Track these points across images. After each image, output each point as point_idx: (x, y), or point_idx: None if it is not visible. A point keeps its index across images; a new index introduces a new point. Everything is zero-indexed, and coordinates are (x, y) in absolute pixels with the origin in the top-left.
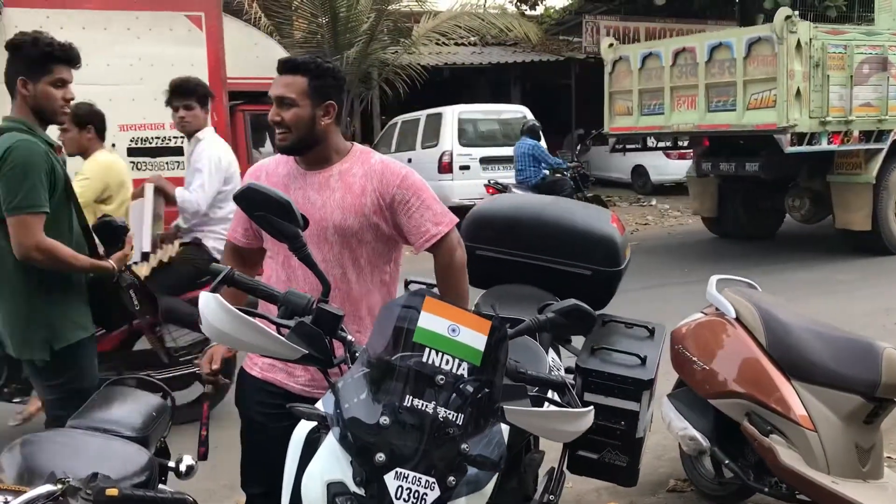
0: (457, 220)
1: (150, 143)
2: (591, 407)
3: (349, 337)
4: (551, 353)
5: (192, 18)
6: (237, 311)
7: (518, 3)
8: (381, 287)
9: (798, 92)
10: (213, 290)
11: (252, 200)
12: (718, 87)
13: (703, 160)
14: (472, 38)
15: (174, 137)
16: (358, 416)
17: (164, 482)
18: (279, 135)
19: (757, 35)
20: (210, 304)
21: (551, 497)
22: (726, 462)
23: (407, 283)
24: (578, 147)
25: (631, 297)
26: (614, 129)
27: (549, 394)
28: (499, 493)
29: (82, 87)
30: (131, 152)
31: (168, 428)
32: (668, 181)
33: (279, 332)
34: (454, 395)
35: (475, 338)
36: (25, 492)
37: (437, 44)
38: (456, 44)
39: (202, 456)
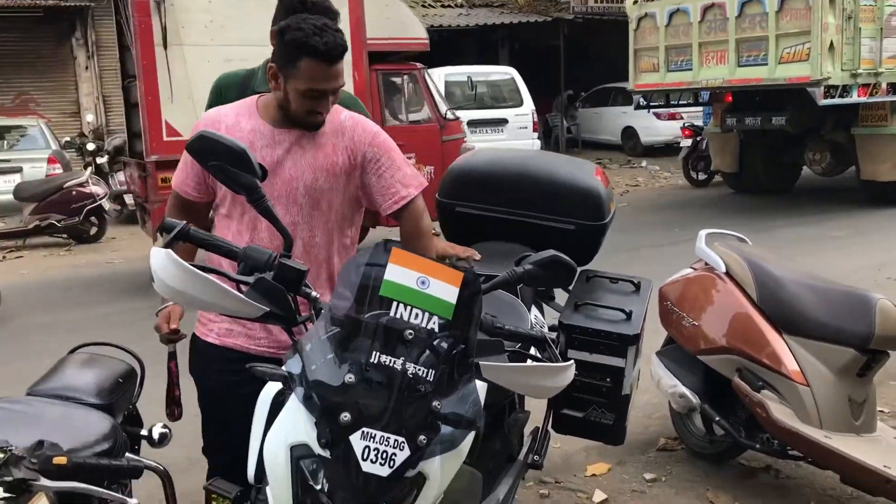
0: (426, 183)
1: None
2: (572, 361)
3: (314, 293)
4: (534, 310)
5: None
6: (193, 267)
7: None
8: (343, 251)
9: (831, 45)
10: (166, 246)
11: (206, 150)
12: (749, 42)
13: (728, 116)
14: (459, 0)
15: None
16: (322, 375)
17: (137, 451)
18: (319, 119)
19: None
20: (162, 259)
21: (536, 457)
22: (717, 419)
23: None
24: (563, 108)
25: (621, 259)
26: (639, 86)
27: (531, 351)
28: (482, 454)
29: (235, 48)
30: None
31: (138, 394)
32: (658, 143)
33: (238, 290)
34: (425, 350)
35: (446, 290)
36: None
37: (423, 6)
38: (442, 6)
39: (178, 416)
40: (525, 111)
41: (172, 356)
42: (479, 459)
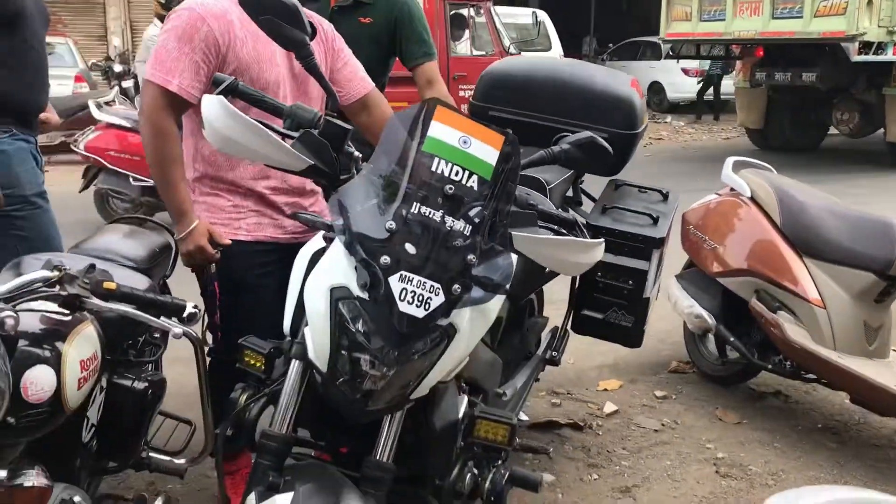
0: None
1: None
2: (602, 240)
3: (356, 153)
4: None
5: None
6: (244, 115)
7: None
8: None
9: (869, 0)
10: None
11: (259, 3)
12: None
13: (758, 70)
14: None
15: None
16: (364, 223)
17: None
18: None
19: None
20: (215, 106)
21: (554, 353)
22: (731, 339)
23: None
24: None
25: None
26: (671, 35)
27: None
28: (501, 347)
29: None
30: None
31: (171, 269)
32: (685, 99)
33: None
34: (463, 206)
35: (487, 151)
36: None
37: None
38: None
39: (215, 343)
40: (553, 55)
41: (214, 276)
42: (500, 350)
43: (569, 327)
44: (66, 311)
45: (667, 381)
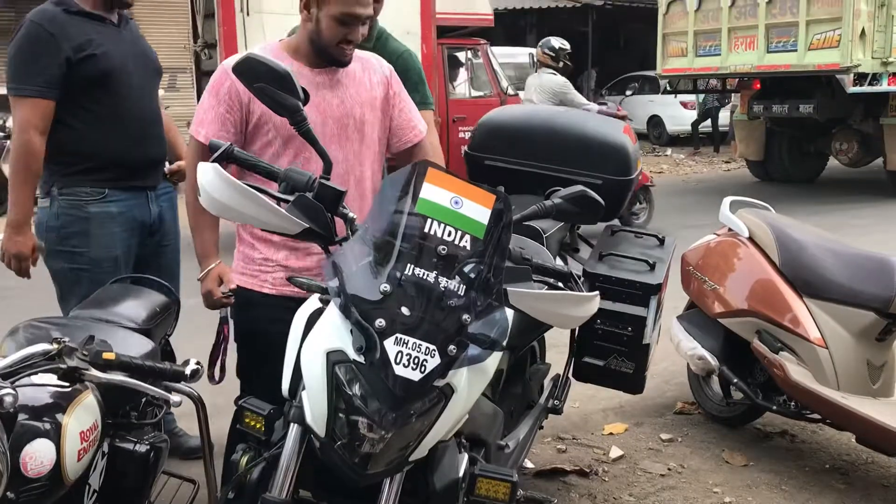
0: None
1: None
2: (597, 293)
3: (350, 213)
4: (558, 260)
5: None
6: (238, 182)
7: None
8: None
9: (862, 32)
10: (215, 161)
11: (252, 71)
12: (779, 28)
13: (755, 102)
14: None
15: None
16: (359, 286)
17: None
18: (349, 51)
19: None
20: (210, 174)
21: (556, 402)
22: (735, 381)
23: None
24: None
25: None
26: (667, 71)
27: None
28: (504, 397)
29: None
30: None
31: (173, 328)
32: (683, 132)
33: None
34: (456, 266)
35: (479, 211)
36: None
37: None
38: None
39: (219, 380)
40: None
41: (225, 320)
42: (502, 401)
43: (570, 375)
44: (66, 384)
45: (672, 423)
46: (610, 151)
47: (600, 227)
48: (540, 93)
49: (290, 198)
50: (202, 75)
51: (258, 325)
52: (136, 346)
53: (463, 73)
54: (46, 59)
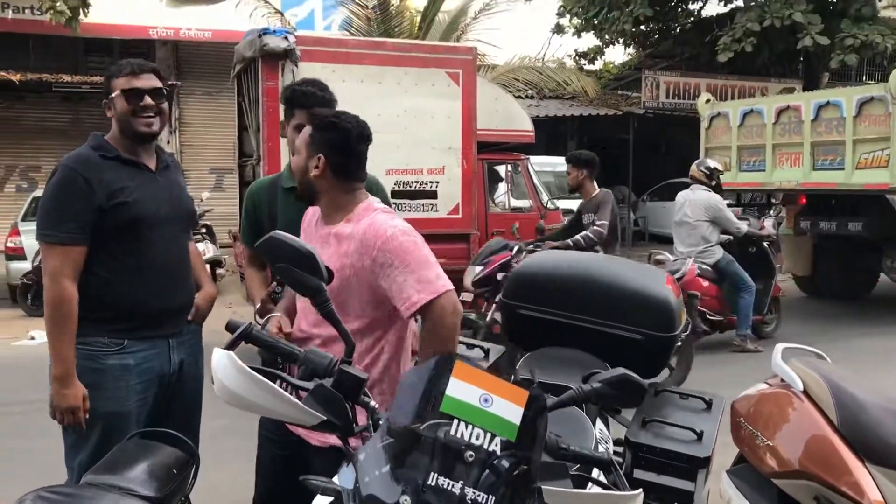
0: (449, 287)
1: (411, 186)
2: (640, 490)
3: (372, 403)
4: (599, 423)
5: (451, 75)
6: (252, 371)
7: (577, 58)
8: (374, 360)
9: None
10: (230, 347)
11: (274, 251)
12: (825, 146)
13: (802, 218)
14: (530, 92)
15: (430, 182)
16: (376, 493)
17: None
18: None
19: (869, 95)
20: (224, 362)
21: None
22: None
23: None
24: (633, 201)
25: (694, 361)
26: None
27: (595, 473)
28: None
29: None
30: (394, 195)
31: (191, 486)
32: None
33: (297, 395)
34: (485, 473)
35: (510, 409)
36: None
37: None
38: (514, 97)
39: None
40: None
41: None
42: None
43: None
44: None
45: None
46: (651, 305)
47: None
48: (694, 208)
49: (308, 384)
50: (243, 184)
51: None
52: None
53: (503, 188)
54: (78, 204)
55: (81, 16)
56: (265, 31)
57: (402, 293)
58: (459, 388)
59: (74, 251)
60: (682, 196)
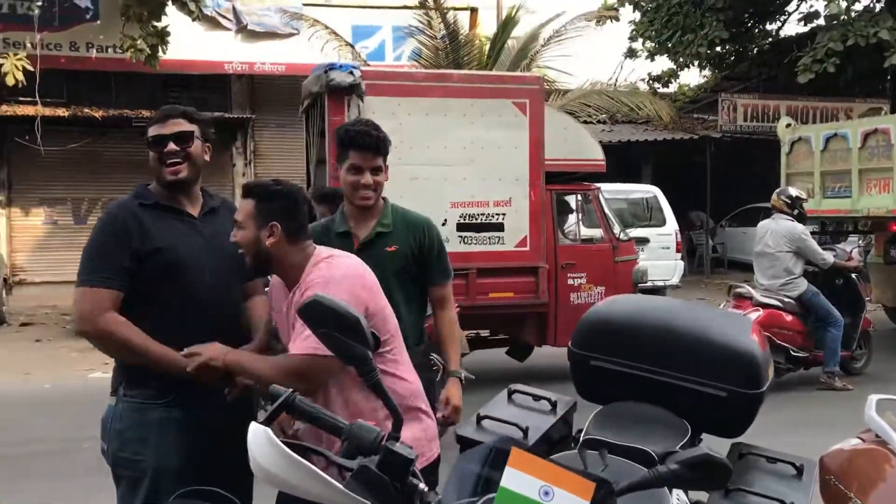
0: (312, 351)
1: (476, 219)
2: None
3: (421, 486)
4: (676, 491)
5: (518, 105)
6: (289, 451)
7: (650, 82)
8: (343, 407)
9: None
10: (269, 419)
11: (317, 316)
12: None
13: (893, 247)
14: (602, 117)
15: (497, 214)
16: None
17: None
18: (242, 256)
19: None
20: (259, 438)
21: None
22: None
23: (511, 393)
24: (707, 227)
25: (778, 401)
26: None
27: None
28: None
29: (421, 167)
30: (460, 227)
31: None
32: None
33: (340, 474)
34: None
35: (574, 503)
36: None
37: None
38: (585, 122)
39: None
40: (668, 231)
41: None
42: None
43: None
44: None
45: None
46: (734, 358)
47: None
48: (776, 238)
49: (352, 463)
50: (311, 219)
51: None
52: None
53: (572, 219)
54: (115, 250)
55: (160, 53)
56: (331, 67)
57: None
58: (516, 479)
59: (108, 294)
60: (763, 225)
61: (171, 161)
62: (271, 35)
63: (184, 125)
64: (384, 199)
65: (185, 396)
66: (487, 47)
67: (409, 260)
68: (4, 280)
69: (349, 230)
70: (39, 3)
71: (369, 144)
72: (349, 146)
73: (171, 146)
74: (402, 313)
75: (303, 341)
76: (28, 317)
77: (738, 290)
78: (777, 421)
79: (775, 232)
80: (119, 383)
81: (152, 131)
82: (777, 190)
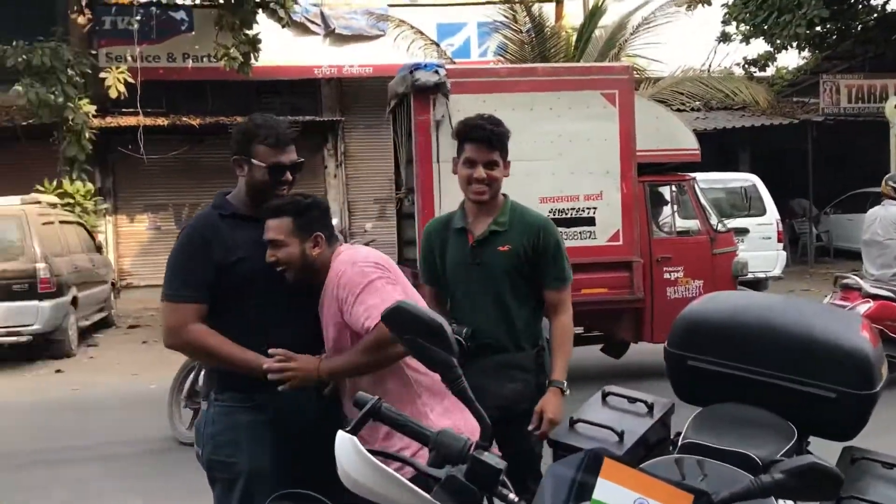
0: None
1: (566, 213)
2: None
3: (511, 496)
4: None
5: (607, 96)
6: (376, 459)
7: (746, 66)
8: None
9: None
10: (356, 428)
11: (400, 322)
12: None
13: None
14: (696, 104)
15: (587, 208)
16: None
17: None
18: (283, 273)
19: None
20: (345, 447)
21: None
22: None
23: (605, 395)
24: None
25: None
26: None
27: None
28: None
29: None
30: None
31: None
32: None
33: (427, 484)
34: None
35: None
36: None
37: None
38: (678, 110)
39: None
40: (768, 220)
41: None
42: None
43: None
44: None
45: None
46: (843, 357)
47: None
48: (886, 225)
49: (439, 473)
50: (401, 217)
51: None
52: None
53: (667, 211)
54: (198, 264)
55: (252, 60)
56: (416, 67)
57: (357, 323)
58: (609, 491)
59: (193, 309)
60: (872, 212)
61: (282, 188)
62: (358, 38)
63: (294, 153)
64: (504, 195)
65: (270, 399)
66: (574, 39)
67: (522, 260)
68: (112, 284)
69: (465, 226)
70: (138, 18)
71: (482, 137)
72: (464, 139)
73: (289, 176)
74: (514, 314)
75: (367, 316)
76: (135, 319)
77: (846, 280)
78: (885, 435)
79: (885, 219)
80: (210, 388)
81: (270, 156)
82: (887, 175)
